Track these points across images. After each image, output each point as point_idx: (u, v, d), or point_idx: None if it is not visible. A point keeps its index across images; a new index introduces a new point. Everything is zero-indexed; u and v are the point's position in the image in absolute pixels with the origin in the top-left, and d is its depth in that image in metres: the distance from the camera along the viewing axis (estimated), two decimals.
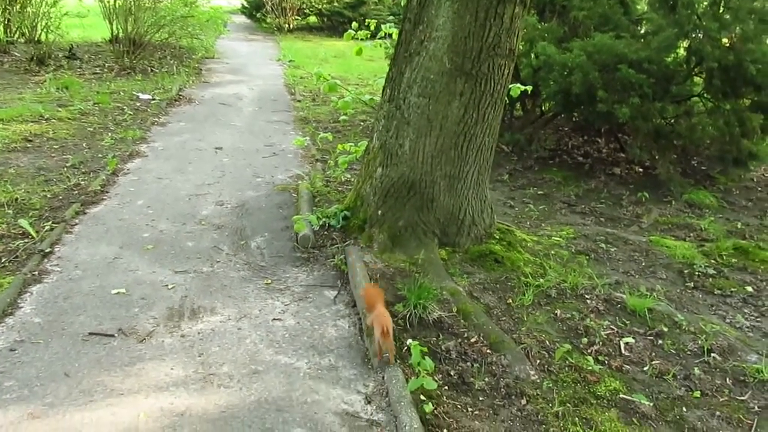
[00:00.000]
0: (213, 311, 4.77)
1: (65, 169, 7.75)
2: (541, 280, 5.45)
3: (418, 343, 4.10)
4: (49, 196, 6.89)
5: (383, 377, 4.00)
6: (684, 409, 3.99)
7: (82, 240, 5.87)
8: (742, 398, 4.11)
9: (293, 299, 5.00)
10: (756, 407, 4.03)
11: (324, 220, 6.06)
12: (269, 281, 5.27)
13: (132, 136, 9.23)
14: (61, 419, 3.54)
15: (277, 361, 4.18)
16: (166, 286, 5.10)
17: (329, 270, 5.48)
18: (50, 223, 6.15)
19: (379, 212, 5.74)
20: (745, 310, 5.41)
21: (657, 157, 8.75)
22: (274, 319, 4.70)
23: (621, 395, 4.06)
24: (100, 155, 8.33)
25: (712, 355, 4.56)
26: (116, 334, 4.41)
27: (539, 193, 8.14)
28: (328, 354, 4.30)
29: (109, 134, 9.29)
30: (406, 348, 4.28)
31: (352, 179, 7.26)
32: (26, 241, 5.73)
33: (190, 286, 5.12)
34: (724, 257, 6.31)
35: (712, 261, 6.24)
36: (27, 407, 3.64)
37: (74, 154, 8.27)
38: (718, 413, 3.96)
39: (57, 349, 4.21)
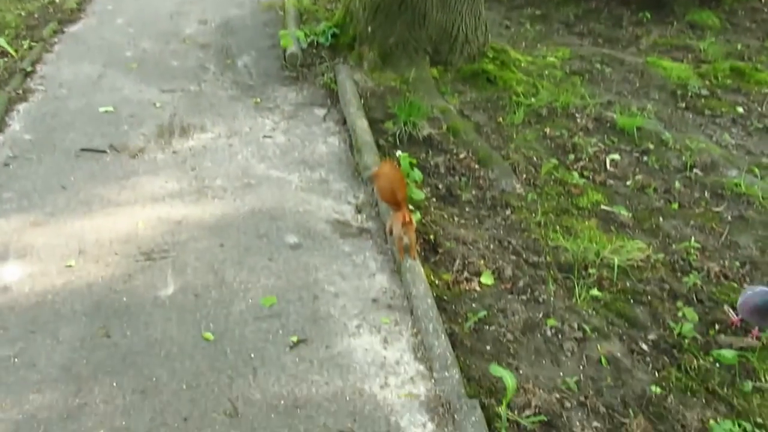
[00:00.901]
0: (203, 129, 4.76)
1: None
2: (533, 99, 5.41)
3: (407, 154, 4.17)
4: (23, 14, 6.58)
5: (373, 189, 4.10)
6: (661, 218, 4.16)
7: (64, 59, 5.69)
8: (718, 209, 4.28)
9: (283, 117, 4.98)
10: (729, 217, 4.21)
11: (312, 37, 5.85)
12: (258, 100, 5.21)
13: None
14: (62, 226, 3.68)
15: (269, 175, 4.26)
16: (154, 104, 5.05)
17: (318, 89, 5.40)
18: (28, 41, 5.92)
19: (369, 29, 5.53)
20: (733, 130, 5.45)
21: None
22: (264, 136, 4.72)
23: (602, 206, 4.22)
24: None
25: (695, 170, 4.67)
26: (108, 150, 4.44)
27: (537, 13, 7.79)
28: (318, 168, 4.38)
29: None
30: (396, 163, 4.35)
31: None
32: (6, 59, 5.56)
33: (178, 104, 5.07)
34: (720, 78, 6.22)
35: (707, 82, 6.16)
36: (28, 216, 3.76)
37: None
38: (692, 222, 4.14)
39: (50, 164, 4.26)
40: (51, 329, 2.98)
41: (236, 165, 4.36)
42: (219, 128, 4.78)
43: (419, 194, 3.95)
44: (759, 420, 2.79)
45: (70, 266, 3.38)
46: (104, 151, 4.43)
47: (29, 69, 5.41)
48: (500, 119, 5.17)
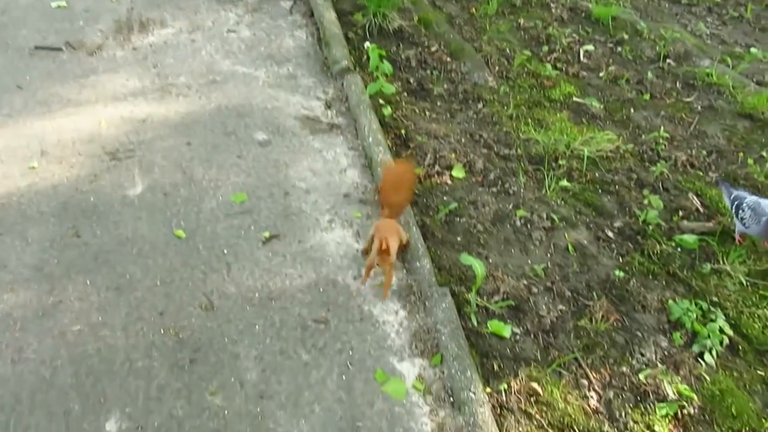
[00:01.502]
0: (163, 24, 4.54)
1: None
2: None
3: (376, 46, 4.05)
4: None
5: (342, 84, 4.01)
6: (632, 110, 4.16)
7: None
8: (688, 99, 4.29)
9: (247, 10, 4.76)
10: (699, 107, 4.22)
11: None
12: None
13: None
14: (21, 128, 3.55)
15: (235, 71, 4.13)
16: None
17: None
18: None
19: None
20: (708, 19, 5.37)
21: None
22: (228, 30, 4.52)
23: (574, 98, 4.19)
24: None
25: (668, 60, 4.62)
26: (64, 48, 4.23)
27: None
28: (286, 63, 4.24)
29: None
30: (366, 57, 4.23)
31: None
32: None
33: None
34: None
35: None
36: None
37: None
38: (663, 113, 4.15)
39: (4, 63, 4.06)
40: (19, 231, 2.95)
41: (200, 61, 4.20)
42: (180, 23, 4.57)
43: (390, 88, 3.87)
44: (714, 299, 2.92)
45: (33, 168, 3.29)
46: (60, 49, 4.22)
47: None
48: (473, 10, 5.01)
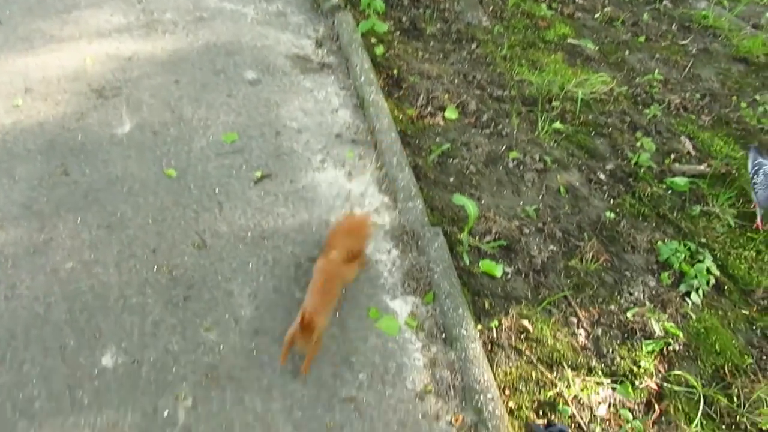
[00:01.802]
0: None
1: None
2: None
3: None
4: None
5: (333, 22, 3.92)
6: (627, 52, 4.11)
7: None
8: (683, 42, 4.24)
9: None
10: (694, 50, 4.18)
11: None
12: None
13: None
14: (4, 64, 3.45)
15: (222, 8, 4.01)
16: None
17: None
18: None
19: None
20: None
21: None
22: None
23: (569, 40, 4.13)
24: None
25: (664, 2, 4.55)
26: None
27: None
28: (275, 0, 4.12)
29: None
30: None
31: None
32: None
33: None
34: None
35: None
36: None
37: None
38: (657, 55, 4.10)
39: None
40: (5, 168, 2.90)
41: None
42: None
43: (382, 26, 3.78)
44: (703, 240, 2.96)
45: (17, 105, 3.21)
46: None
47: None
48: None
